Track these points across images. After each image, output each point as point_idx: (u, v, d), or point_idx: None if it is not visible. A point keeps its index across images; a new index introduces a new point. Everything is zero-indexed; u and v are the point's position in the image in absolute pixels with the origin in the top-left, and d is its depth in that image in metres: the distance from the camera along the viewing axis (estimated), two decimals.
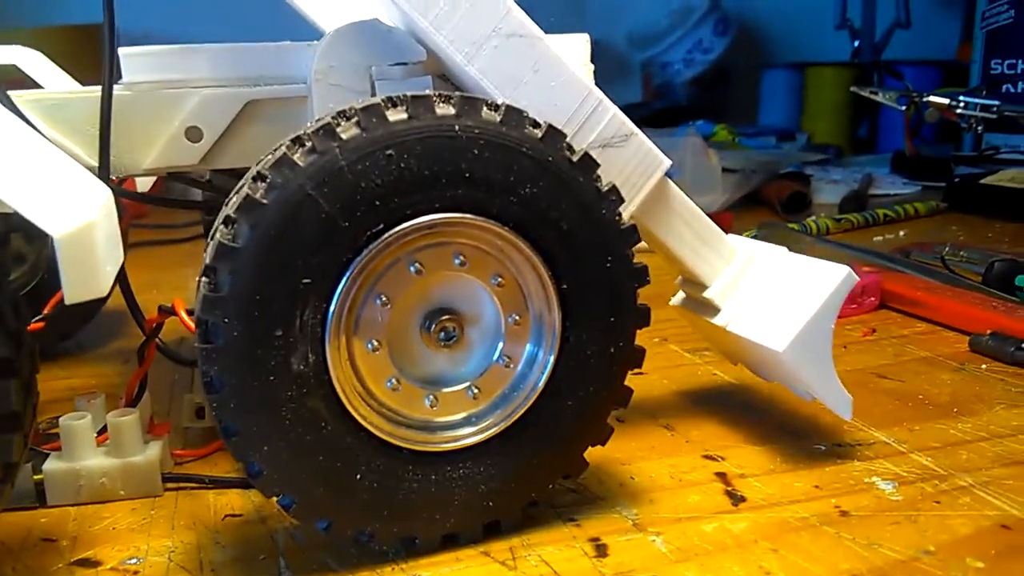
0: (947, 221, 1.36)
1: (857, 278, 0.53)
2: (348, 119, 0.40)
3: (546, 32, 0.48)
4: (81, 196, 0.38)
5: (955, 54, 2.25)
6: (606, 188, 0.44)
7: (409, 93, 0.41)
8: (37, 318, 0.55)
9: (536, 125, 0.43)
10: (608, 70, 2.19)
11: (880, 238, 1.24)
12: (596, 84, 0.50)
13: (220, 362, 0.39)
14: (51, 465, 0.52)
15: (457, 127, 0.41)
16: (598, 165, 0.44)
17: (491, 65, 0.48)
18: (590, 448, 0.47)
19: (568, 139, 0.44)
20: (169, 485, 0.54)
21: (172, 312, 0.49)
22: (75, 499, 0.52)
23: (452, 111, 0.41)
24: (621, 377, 0.47)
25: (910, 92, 1.53)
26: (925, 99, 1.51)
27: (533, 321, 0.45)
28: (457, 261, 0.43)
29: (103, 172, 0.48)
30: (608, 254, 0.44)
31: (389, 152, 0.40)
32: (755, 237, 0.71)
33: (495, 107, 0.42)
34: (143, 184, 0.70)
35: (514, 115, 0.42)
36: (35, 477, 0.51)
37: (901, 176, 1.73)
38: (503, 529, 0.47)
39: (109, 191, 0.41)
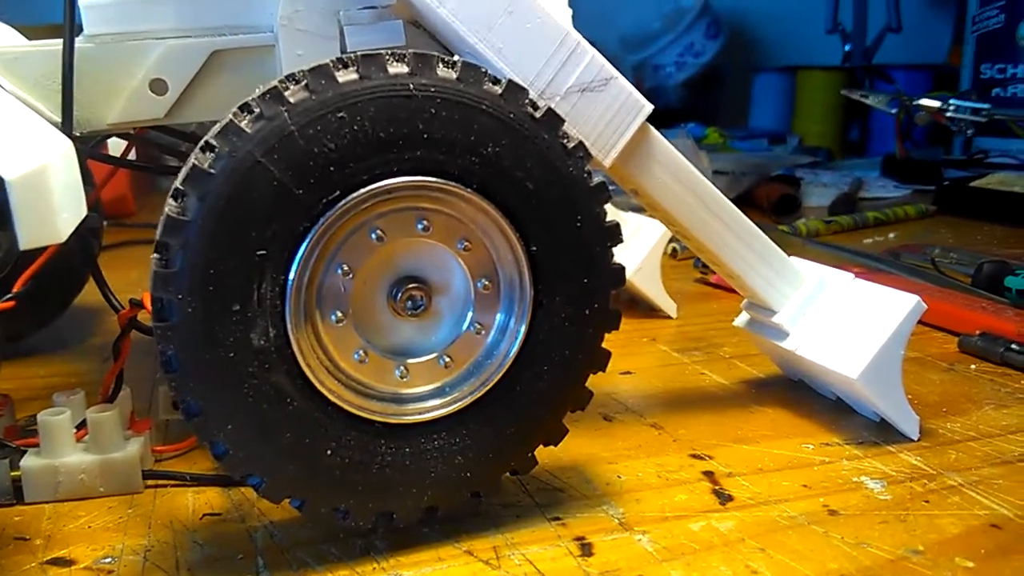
0: (936, 224, 1.36)
1: (926, 306, 0.55)
2: (296, 82, 0.39)
3: None
4: (37, 143, 0.37)
5: (946, 58, 2.25)
6: (572, 144, 0.43)
7: (359, 52, 0.40)
8: (7, 297, 0.53)
9: (496, 81, 0.41)
10: None
11: (870, 240, 1.23)
12: None
13: (176, 340, 0.38)
14: (29, 461, 0.50)
15: (412, 86, 0.39)
16: (563, 121, 0.43)
17: (463, 6, 0.46)
18: (572, 428, 0.46)
19: (531, 95, 0.42)
20: (149, 482, 0.52)
21: (142, 305, 0.48)
22: (53, 496, 0.50)
23: (405, 69, 0.40)
24: (598, 340, 0.45)
25: (901, 96, 1.53)
26: (916, 103, 1.50)
27: (503, 286, 0.44)
28: (420, 227, 0.42)
29: (66, 127, 0.46)
30: (578, 213, 0.43)
31: (341, 115, 0.38)
32: None
33: (451, 64, 0.41)
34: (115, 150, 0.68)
35: (471, 71, 0.41)
36: (12, 474, 0.50)
37: (891, 179, 1.72)
38: (483, 499, 0.45)
39: (70, 142, 0.40)
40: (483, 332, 0.44)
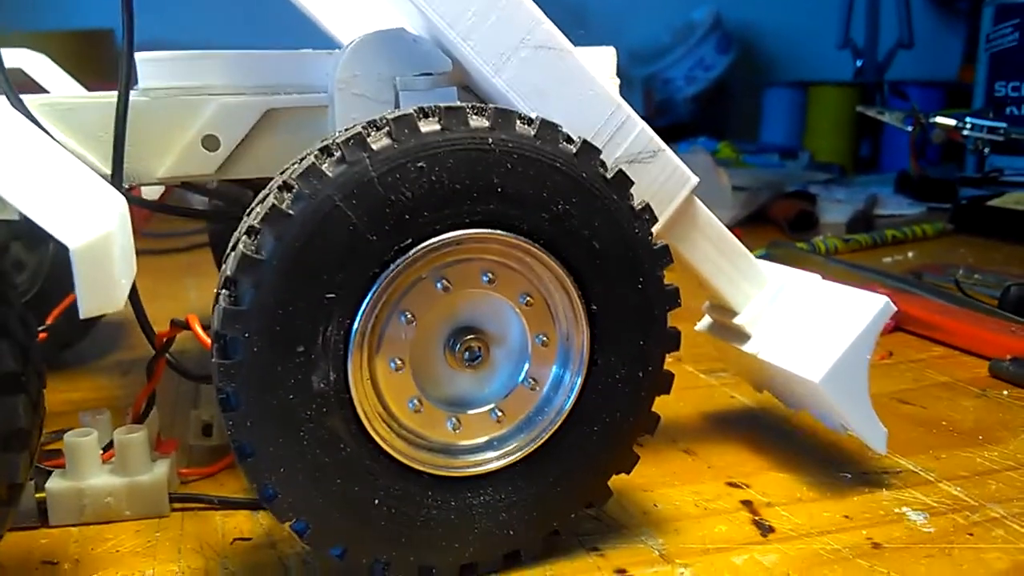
0: (954, 243, 1.36)
1: (895, 308, 0.52)
2: (379, 129, 0.39)
3: None
4: (97, 206, 0.36)
5: (957, 74, 2.26)
6: (639, 207, 0.43)
7: (442, 104, 0.40)
8: (41, 328, 0.53)
9: (570, 140, 0.41)
10: None
11: (889, 259, 1.23)
12: None
13: (238, 379, 0.37)
14: (55, 483, 0.50)
15: (491, 140, 0.39)
16: (632, 183, 0.43)
17: (518, 77, 0.46)
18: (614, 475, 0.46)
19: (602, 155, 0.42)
20: (176, 505, 0.52)
21: (186, 326, 0.47)
22: (78, 519, 0.50)
23: (486, 123, 0.40)
24: (649, 403, 0.45)
25: (916, 113, 1.53)
26: (931, 120, 1.50)
27: (560, 342, 0.44)
28: (485, 279, 0.42)
29: (116, 180, 0.46)
30: (640, 275, 0.43)
31: (421, 164, 0.38)
32: (764, 257, 0.70)
33: (529, 121, 0.41)
34: (149, 193, 0.68)
35: (548, 129, 0.41)
36: (37, 495, 0.49)
37: (905, 196, 1.72)
38: (523, 560, 0.45)
39: (124, 200, 0.39)
40: (537, 387, 0.44)
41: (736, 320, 0.55)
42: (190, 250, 1.29)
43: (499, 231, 0.41)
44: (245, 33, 1.73)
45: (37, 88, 0.68)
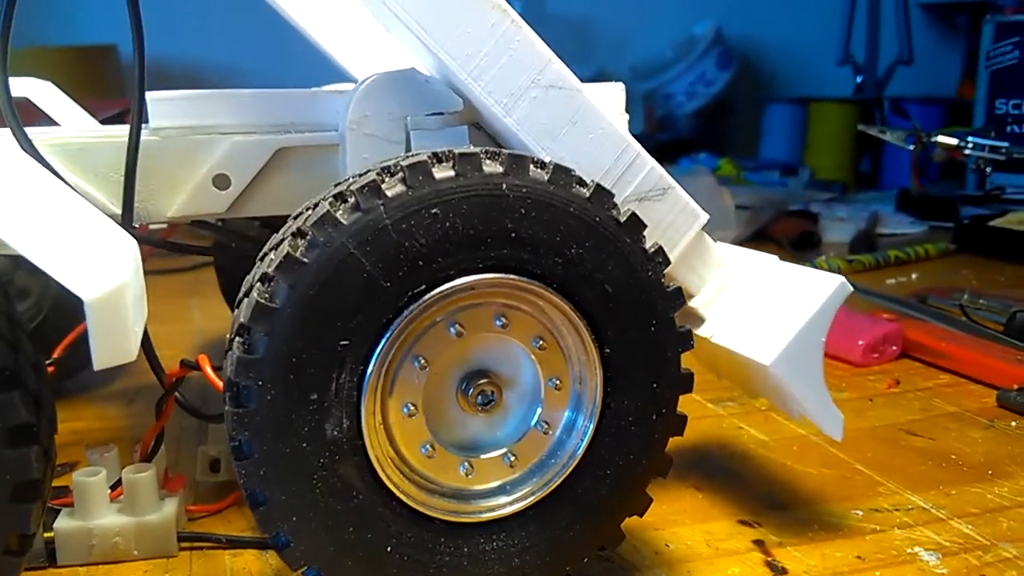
0: (957, 263, 1.36)
1: (851, 288, 0.50)
2: (393, 175, 0.38)
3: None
4: (110, 253, 0.36)
5: (956, 90, 2.26)
6: (652, 249, 0.43)
7: (456, 150, 0.40)
8: (48, 362, 0.52)
9: (583, 183, 0.41)
10: None
11: (893, 280, 1.23)
12: None
13: (252, 427, 0.37)
14: (63, 523, 0.49)
15: (505, 186, 0.39)
16: (644, 225, 0.43)
17: (529, 116, 0.46)
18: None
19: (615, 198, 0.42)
20: (184, 544, 0.51)
21: (196, 367, 0.47)
22: (86, 559, 0.49)
23: (500, 169, 0.40)
24: (662, 445, 0.45)
25: (918, 132, 1.53)
26: (933, 139, 1.50)
27: (573, 385, 0.44)
28: (499, 323, 0.42)
29: (126, 220, 0.46)
30: (652, 317, 0.43)
31: (435, 211, 0.38)
32: None
33: (543, 164, 0.41)
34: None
35: (562, 174, 0.41)
36: (45, 535, 0.49)
37: (907, 215, 1.72)
38: None
39: (135, 244, 0.39)
40: (550, 431, 0.44)
41: (691, 303, 0.53)
42: (193, 269, 1.29)
43: (512, 275, 0.40)
44: (258, 55, 1.74)
45: (44, 118, 0.67)
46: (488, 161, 0.40)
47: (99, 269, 0.35)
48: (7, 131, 0.45)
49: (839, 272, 1.22)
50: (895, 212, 1.76)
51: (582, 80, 0.47)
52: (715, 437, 0.68)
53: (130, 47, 0.46)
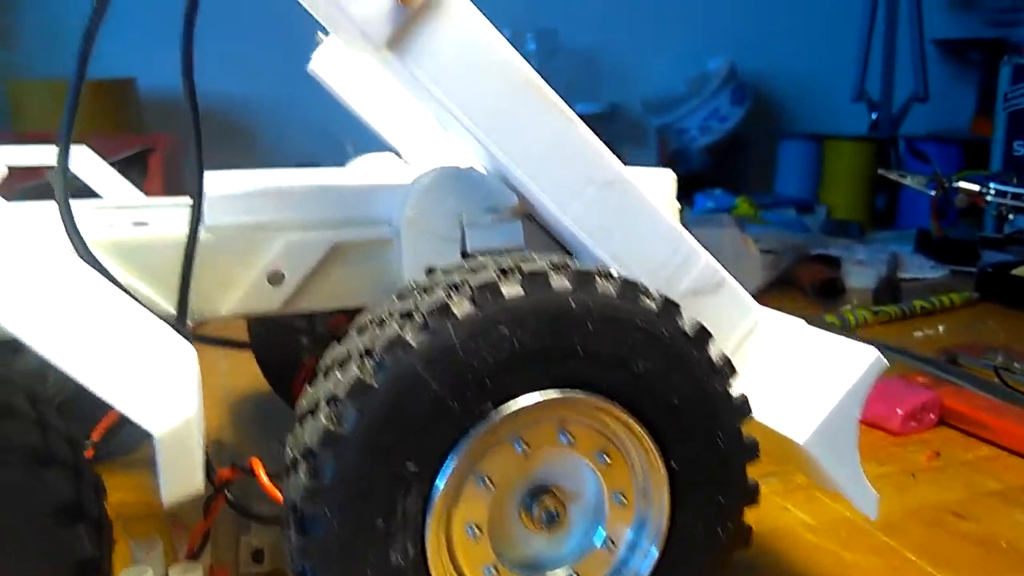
0: (982, 314, 1.34)
1: (887, 363, 0.48)
2: (460, 293, 0.38)
3: (562, 97, 0.45)
4: (176, 376, 0.35)
5: (970, 125, 2.26)
6: (719, 360, 0.42)
7: (523, 264, 0.39)
8: (87, 445, 0.51)
9: (651, 297, 0.41)
10: (623, 135, 2.19)
11: (920, 333, 1.22)
12: (611, 149, 0.47)
13: (318, 556, 0.36)
14: None
15: (572, 301, 0.39)
16: (711, 336, 0.42)
17: (586, 214, 0.46)
18: None
19: (681, 308, 0.41)
20: None
21: (249, 471, 0.46)
22: None
23: (567, 284, 0.39)
24: (727, 558, 0.44)
25: (939, 177, 1.52)
26: (954, 185, 1.50)
27: (638, 500, 0.43)
28: (564, 439, 0.41)
29: (180, 320, 0.45)
30: (719, 430, 0.42)
31: (502, 328, 0.37)
32: None
33: (609, 276, 0.40)
34: None
35: (629, 288, 0.40)
36: None
37: (927, 257, 1.71)
38: None
39: (195, 353, 0.38)
40: (614, 548, 0.42)
41: None
42: None
43: (578, 391, 0.40)
44: (261, 82, 1.74)
45: (86, 190, 0.67)
46: (555, 276, 0.39)
47: (167, 399, 0.34)
48: (59, 225, 0.44)
49: (865, 323, 1.23)
50: (913, 253, 1.75)
51: (594, 115, 0.47)
52: (760, 519, 0.66)
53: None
